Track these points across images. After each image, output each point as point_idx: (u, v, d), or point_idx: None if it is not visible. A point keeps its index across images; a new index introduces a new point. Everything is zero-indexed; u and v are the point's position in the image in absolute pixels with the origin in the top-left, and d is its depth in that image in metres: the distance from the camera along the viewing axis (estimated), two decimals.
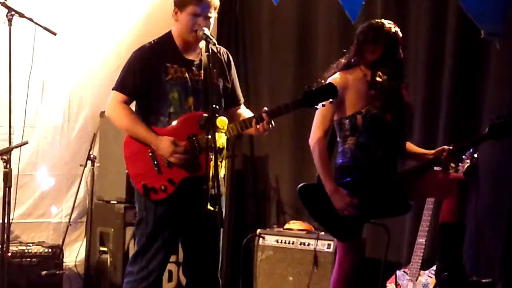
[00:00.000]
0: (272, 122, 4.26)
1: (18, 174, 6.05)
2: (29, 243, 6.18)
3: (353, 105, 4.74)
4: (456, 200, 4.67)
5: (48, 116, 6.58)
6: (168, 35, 4.47)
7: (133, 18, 6.89)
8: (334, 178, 4.72)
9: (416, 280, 5.26)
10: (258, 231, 6.21)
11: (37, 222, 6.55)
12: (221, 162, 4.29)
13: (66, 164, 6.67)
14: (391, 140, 4.75)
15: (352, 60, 4.82)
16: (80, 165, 6.54)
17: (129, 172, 4.45)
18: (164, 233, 4.38)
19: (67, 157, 6.67)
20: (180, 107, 4.37)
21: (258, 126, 4.27)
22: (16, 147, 5.18)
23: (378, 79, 4.73)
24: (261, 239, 6.14)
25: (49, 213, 6.63)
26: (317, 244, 5.88)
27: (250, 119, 4.33)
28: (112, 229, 6.36)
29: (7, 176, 4.97)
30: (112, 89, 4.45)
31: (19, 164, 6.11)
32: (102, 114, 6.43)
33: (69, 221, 6.55)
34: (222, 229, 4.35)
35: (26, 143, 5.43)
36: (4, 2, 4.97)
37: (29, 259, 5.91)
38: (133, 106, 4.49)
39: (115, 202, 6.42)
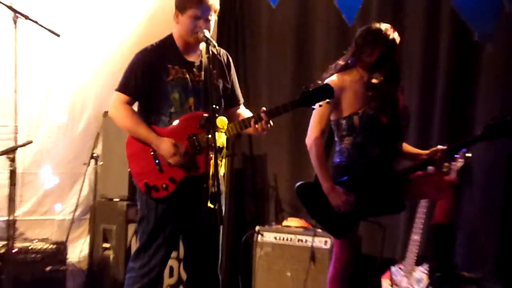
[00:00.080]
0: (271, 121, 4.26)
1: (23, 173, 6.08)
2: (34, 239, 6.16)
3: (350, 106, 4.75)
4: (450, 203, 4.69)
5: (52, 116, 6.57)
6: (170, 37, 4.48)
7: (135, 20, 6.89)
8: (331, 176, 4.73)
9: (410, 275, 5.26)
10: (257, 228, 6.21)
11: (41, 219, 6.55)
12: (221, 161, 4.30)
13: (69, 162, 6.66)
14: (387, 140, 4.75)
15: (350, 61, 4.83)
16: (84, 164, 6.54)
17: (131, 171, 4.45)
18: (165, 230, 4.38)
19: (70, 156, 6.67)
20: (180, 107, 4.37)
21: (257, 126, 4.27)
22: (21, 146, 5.18)
23: (374, 81, 4.73)
24: (260, 236, 6.14)
25: (53, 210, 6.62)
26: (314, 241, 5.88)
27: (249, 119, 4.33)
28: (115, 226, 6.36)
29: (12, 174, 4.97)
30: (115, 90, 4.46)
31: (24, 162, 6.13)
32: (105, 114, 6.42)
33: (73, 218, 6.54)
34: (221, 226, 4.33)
35: (30, 142, 5.42)
36: (10, 5, 4.97)
37: (33, 255, 5.90)
38: (135, 106, 4.49)
39: (118, 200, 6.41)
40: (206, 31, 4.25)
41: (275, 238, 6.09)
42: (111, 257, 6.36)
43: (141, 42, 5.24)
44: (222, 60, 4.55)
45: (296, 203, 6.47)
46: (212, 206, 3.93)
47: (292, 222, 6.26)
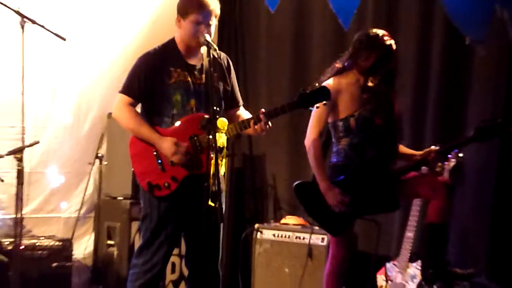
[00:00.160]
0: (269, 122, 4.26)
1: (30, 172, 6.08)
2: (41, 236, 6.17)
3: (347, 108, 4.76)
4: (443, 203, 4.69)
5: (58, 117, 6.58)
6: (172, 41, 4.48)
7: (139, 25, 6.90)
8: (328, 176, 4.73)
9: (405, 272, 5.26)
10: (256, 225, 6.21)
11: (48, 217, 6.55)
12: (222, 160, 4.30)
13: (75, 162, 6.67)
14: (382, 142, 4.76)
15: (346, 65, 4.83)
16: (89, 163, 6.54)
17: (135, 170, 4.45)
18: (168, 228, 4.39)
19: (76, 155, 6.68)
20: (182, 109, 4.37)
21: (256, 127, 4.27)
22: (28, 146, 5.18)
23: (370, 84, 4.74)
24: (259, 233, 6.14)
25: (59, 208, 6.63)
26: (311, 238, 5.88)
27: (248, 120, 4.33)
28: (119, 224, 6.36)
29: (20, 174, 4.97)
30: (119, 92, 4.45)
31: (31, 162, 6.13)
32: (109, 115, 6.42)
33: (78, 216, 6.55)
34: (222, 224, 4.34)
35: (37, 142, 5.43)
36: (17, 10, 4.98)
37: (40, 252, 5.91)
38: (138, 108, 4.49)
39: (122, 198, 6.41)
40: (207, 35, 4.26)
41: (274, 235, 6.09)
42: (115, 253, 6.36)
43: (144, 46, 5.25)
44: (223, 63, 4.55)
45: (294, 202, 6.46)
46: (212, 204, 3.93)
47: (290, 220, 6.25)
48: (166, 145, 4.29)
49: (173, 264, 6.30)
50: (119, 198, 6.44)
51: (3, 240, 5.78)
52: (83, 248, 6.65)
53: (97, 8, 6.67)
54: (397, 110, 4.88)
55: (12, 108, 5.67)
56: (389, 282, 5.31)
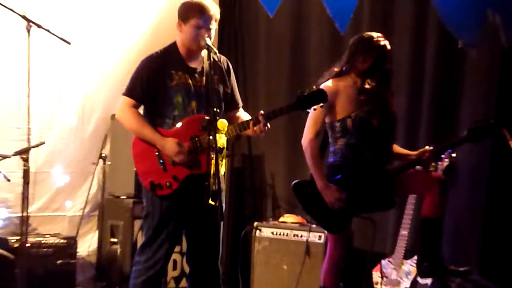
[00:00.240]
0: (268, 124, 4.26)
1: (35, 172, 6.08)
2: (46, 234, 6.16)
3: (344, 109, 4.76)
4: (437, 197, 4.69)
5: (63, 118, 6.58)
6: (173, 45, 4.48)
7: (141, 29, 6.90)
8: (325, 175, 4.73)
9: (400, 268, 5.26)
10: (255, 223, 6.20)
11: (53, 216, 6.55)
12: (222, 160, 4.29)
13: (79, 162, 6.67)
14: (378, 142, 4.76)
15: (344, 68, 4.83)
16: (93, 164, 6.54)
17: (137, 170, 4.45)
18: (169, 226, 4.39)
19: (80, 156, 6.67)
20: (183, 111, 4.38)
21: (255, 128, 4.27)
22: (34, 147, 5.17)
23: (367, 86, 4.74)
24: (258, 231, 6.14)
25: (64, 207, 6.62)
26: (309, 236, 5.87)
27: (248, 121, 4.34)
28: (122, 222, 6.36)
29: (26, 173, 4.97)
30: (122, 94, 4.46)
31: (36, 162, 6.13)
32: (112, 117, 6.42)
33: (82, 214, 6.54)
34: (222, 222, 4.35)
35: (43, 143, 5.42)
36: (24, 15, 4.98)
37: (45, 249, 5.90)
38: (141, 109, 4.50)
39: (125, 197, 6.41)
40: (207, 39, 4.26)
41: (272, 233, 6.09)
42: (118, 251, 6.36)
43: (146, 49, 5.25)
44: (223, 66, 4.55)
45: (292, 200, 6.47)
46: (213, 203, 3.94)
47: (288, 218, 6.25)
48: (169, 145, 4.29)
49: (175, 261, 6.29)
50: (122, 197, 6.44)
51: (10, 238, 5.78)
52: (87, 245, 6.64)
53: (101, 13, 6.67)
54: (393, 110, 4.87)
55: (19, 109, 5.66)
56: (384, 278, 5.31)
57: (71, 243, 6.10)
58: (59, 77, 6.49)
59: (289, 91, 6.76)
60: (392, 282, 5.27)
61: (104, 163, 6.52)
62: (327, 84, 4.75)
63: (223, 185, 4.33)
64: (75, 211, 6.65)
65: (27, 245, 5.28)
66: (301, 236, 5.94)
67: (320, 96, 4.25)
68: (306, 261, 5.84)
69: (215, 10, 4.39)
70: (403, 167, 4.85)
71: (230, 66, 4.62)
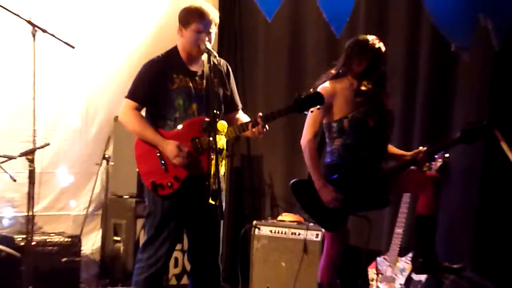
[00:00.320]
0: (266, 125, 4.27)
1: (41, 172, 6.07)
2: (51, 233, 6.16)
3: (341, 110, 4.76)
4: (431, 196, 4.69)
5: (68, 120, 6.58)
6: (174, 49, 4.48)
7: (143, 33, 6.91)
8: (323, 175, 4.73)
9: (394, 265, 5.26)
10: (254, 222, 6.21)
11: (58, 215, 6.55)
12: (221, 161, 4.30)
13: (83, 163, 6.67)
14: (374, 142, 4.76)
15: (341, 70, 4.83)
16: (96, 164, 6.55)
17: (140, 170, 4.46)
18: (170, 225, 4.39)
19: (84, 157, 6.68)
20: (184, 113, 4.37)
21: (254, 129, 4.27)
22: (39, 148, 5.18)
23: (363, 88, 4.74)
24: (257, 229, 6.14)
25: (69, 206, 6.63)
26: (306, 234, 5.88)
27: (247, 123, 4.34)
28: (125, 221, 6.36)
29: (31, 174, 4.97)
30: (125, 97, 4.46)
31: (42, 163, 6.13)
32: (115, 119, 6.42)
33: (86, 213, 6.55)
34: (222, 221, 4.35)
35: (48, 144, 5.43)
36: (29, 20, 4.98)
37: (51, 248, 5.90)
38: (143, 112, 4.50)
39: (127, 197, 6.42)
40: (207, 43, 4.27)
41: (271, 231, 6.09)
42: (121, 249, 6.36)
43: (148, 53, 5.25)
44: (222, 70, 4.55)
45: (290, 199, 6.47)
46: (213, 202, 3.95)
47: (286, 216, 6.25)
48: (169, 148, 4.29)
49: (176, 259, 6.30)
50: (125, 196, 6.45)
51: (16, 236, 5.78)
52: (91, 244, 6.65)
53: (104, 18, 6.68)
54: (388, 111, 4.88)
55: (24, 112, 5.67)
56: (380, 275, 5.31)
57: (76, 241, 6.10)
58: (63, 81, 6.50)
59: (287, 93, 6.76)
60: (387, 279, 5.27)
61: (107, 163, 6.52)
62: (325, 86, 4.75)
63: (223, 185, 4.32)
64: (79, 210, 6.65)
65: (33, 243, 5.29)
66: (299, 234, 5.95)
67: (317, 99, 4.25)
68: (303, 258, 5.84)
69: (214, 15, 4.39)
70: (398, 167, 4.85)
71: (230, 69, 4.62)
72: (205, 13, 4.34)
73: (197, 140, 4.30)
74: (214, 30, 4.40)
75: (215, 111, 4.11)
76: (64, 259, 5.94)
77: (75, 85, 6.59)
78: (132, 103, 4.41)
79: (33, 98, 5.04)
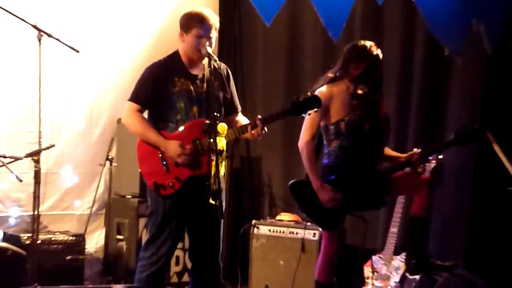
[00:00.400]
0: (265, 128, 4.28)
1: (46, 173, 6.07)
2: (56, 232, 6.16)
3: (338, 113, 4.76)
4: (425, 198, 4.70)
5: (72, 122, 6.58)
6: (176, 53, 4.49)
7: (145, 38, 6.91)
8: (320, 176, 4.74)
9: (389, 264, 5.27)
10: (253, 222, 6.20)
11: (62, 214, 6.55)
12: (222, 162, 4.31)
13: (87, 164, 6.67)
14: (370, 144, 4.76)
15: (338, 74, 4.83)
16: (100, 165, 6.54)
17: (142, 171, 4.46)
18: (172, 224, 4.39)
19: (88, 158, 6.67)
20: (185, 115, 4.38)
21: (253, 131, 4.28)
22: (44, 149, 5.17)
23: (359, 91, 4.74)
24: (256, 229, 6.14)
25: (73, 206, 6.62)
26: (304, 233, 5.88)
27: (246, 125, 4.35)
28: (127, 220, 6.36)
29: (37, 174, 4.97)
30: (128, 100, 4.47)
31: (47, 163, 6.13)
32: (119, 121, 6.42)
33: (90, 213, 6.54)
34: (222, 220, 4.36)
35: (53, 145, 5.42)
36: (35, 24, 4.98)
37: (55, 246, 5.90)
38: (145, 114, 4.50)
39: (130, 196, 6.41)
40: (208, 48, 4.27)
41: (270, 230, 6.09)
42: (124, 247, 6.36)
43: (150, 57, 5.25)
44: (222, 73, 4.56)
45: (288, 199, 6.48)
46: (213, 202, 3.95)
47: (284, 216, 6.25)
48: (172, 147, 4.29)
49: (177, 257, 6.29)
50: (127, 196, 6.45)
51: (22, 235, 5.78)
52: (94, 242, 6.64)
53: (108, 23, 6.68)
54: (383, 113, 4.88)
55: (30, 114, 5.67)
56: (375, 273, 5.32)
57: (80, 240, 6.10)
58: (68, 84, 6.50)
59: (285, 96, 6.76)
60: (382, 277, 5.28)
61: (111, 164, 6.52)
62: (322, 90, 4.75)
63: (223, 185, 4.33)
64: (83, 209, 6.65)
65: (38, 242, 5.28)
66: (297, 233, 5.94)
67: (314, 102, 4.26)
68: (301, 257, 5.84)
69: (215, 20, 4.40)
70: (393, 168, 4.86)
71: (230, 73, 4.63)
72: (205, 19, 4.35)
73: (198, 141, 4.31)
74: (214, 35, 4.40)
75: (215, 114, 4.12)
76: (68, 257, 5.94)
77: (80, 88, 6.59)
78: (134, 106, 4.42)
79: (39, 101, 5.03)
